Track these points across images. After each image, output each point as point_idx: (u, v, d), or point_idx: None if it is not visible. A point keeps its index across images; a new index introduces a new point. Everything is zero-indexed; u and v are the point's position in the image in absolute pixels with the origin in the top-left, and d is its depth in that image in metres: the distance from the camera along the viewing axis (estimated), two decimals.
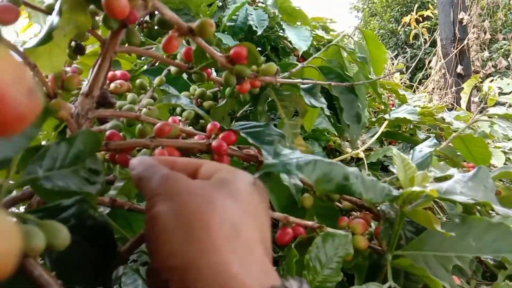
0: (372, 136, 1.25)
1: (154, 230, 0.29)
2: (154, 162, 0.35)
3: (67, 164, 0.35)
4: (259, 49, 1.35)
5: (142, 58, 0.78)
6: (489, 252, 0.44)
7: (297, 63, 0.72)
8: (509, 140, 1.42)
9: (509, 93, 1.60)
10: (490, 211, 0.58)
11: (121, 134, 0.49)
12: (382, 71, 0.93)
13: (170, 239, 0.28)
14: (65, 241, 0.23)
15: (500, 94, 1.60)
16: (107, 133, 0.47)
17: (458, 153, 1.03)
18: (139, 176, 0.33)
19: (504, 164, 1.15)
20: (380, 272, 0.48)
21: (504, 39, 4.84)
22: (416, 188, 0.41)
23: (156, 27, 0.53)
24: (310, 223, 0.50)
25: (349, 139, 0.74)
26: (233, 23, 1.19)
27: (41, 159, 0.33)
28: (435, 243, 0.45)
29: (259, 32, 1.13)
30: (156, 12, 0.42)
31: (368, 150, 1.26)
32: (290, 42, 1.23)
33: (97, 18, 0.48)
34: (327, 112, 0.64)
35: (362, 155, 1.17)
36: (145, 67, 0.77)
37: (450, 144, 0.99)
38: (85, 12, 0.44)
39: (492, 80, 1.62)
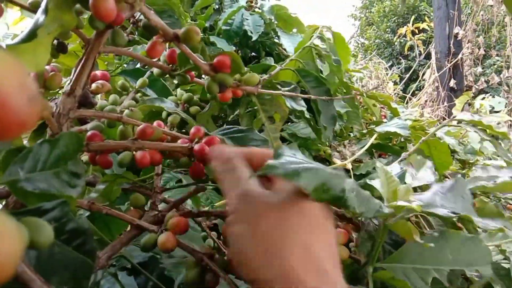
0: (362, 148, 1.28)
1: (235, 247, 0.34)
2: (232, 156, 0.39)
3: (49, 166, 0.36)
4: (254, 54, 1.38)
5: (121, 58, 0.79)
6: (464, 265, 0.46)
7: (275, 65, 0.75)
8: (498, 157, 1.47)
9: (499, 111, 1.66)
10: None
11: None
12: (346, 70, 0.99)
13: (251, 259, 0.32)
14: (49, 239, 0.25)
15: (491, 111, 1.65)
16: (88, 134, 0.49)
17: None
18: (218, 174, 0.38)
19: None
20: (359, 284, 0.50)
21: (497, 55, 4.97)
22: (401, 203, 0.43)
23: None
24: None
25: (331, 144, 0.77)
26: (228, 27, 1.21)
27: (23, 161, 0.34)
28: (414, 256, 0.47)
29: (254, 38, 1.16)
30: (142, 17, 0.44)
31: (358, 161, 1.29)
32: (285, 49, 1.26)
33: (81, 17, 0.49)
34: (307, 115, 0.67)
35: (349, 166, 1.19)
36: (125, 66, 0.79)
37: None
38: (71, 11, 0.46)
39: (484, 98, 1.67)
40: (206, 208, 0.85)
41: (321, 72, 0.89)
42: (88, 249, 0.36)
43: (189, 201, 0.80)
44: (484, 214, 0.52)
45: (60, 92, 0.56)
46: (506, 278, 0.67)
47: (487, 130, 0.79)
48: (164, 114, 0.65)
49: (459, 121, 0.85)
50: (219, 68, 0.49)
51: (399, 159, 0.86)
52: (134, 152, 0.48)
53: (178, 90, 0.74)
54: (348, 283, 0.47)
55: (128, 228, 0.68)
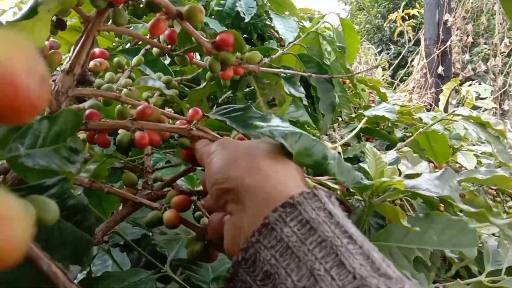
0: (351, 131, 1.29)
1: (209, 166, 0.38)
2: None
3: (49, 142, 0.35)
4: (245, 36, 1.37)
5: (121, 37, 0.78)
6: (449, 246, 0.47)
7: (277, 48, 0.74)
8: (482, 144, 1.49)
9: (485, 98, 1.68)
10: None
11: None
12: (354, 59, 0.99)
13: (221, 167, 0.36)
14: (55, 216, 0.25)
15: (477, 98, 1.67)
16: (87, 112, 0.48)
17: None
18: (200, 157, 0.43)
19: (475, 167, 1.21)
20: None
21: (485, 43, 5.00)
22: (384, 179, 0.44)
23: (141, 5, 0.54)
24: None
25: (327, 132, 0.78)
26: (221, 8, 1.20)
27: (23, 137, 0.34)
28: (399, 236, 0.48)
29: (247, 19, 1.14)
30: None
31: (346, 145, 1.30)
32: (277, 31, 1.25)
33: None
34: (305, 101, 0.66)
35: (339, 149, 1.20)
36: (126, 45, 0.77)
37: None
38: None
39: (470, 85, 1.69)
40: (200, 188, 0.86)
41: (328, 59, 0.88)
42: (87, 225, 0.36)
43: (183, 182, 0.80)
44: (473, 205, 0.53)
45: (58, 69, 0.55)
46: (479, 260, 0.70)
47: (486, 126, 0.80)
48: (144, 94, 0.64)
49: (456, 115, 0.86)
50: (221, 46, 0.48)
51: (395, 148, 0.87)
52: (133, 132, 0.48)
53: (157, 73, 0.73)
54: None
55: (120, 207, 0.69)
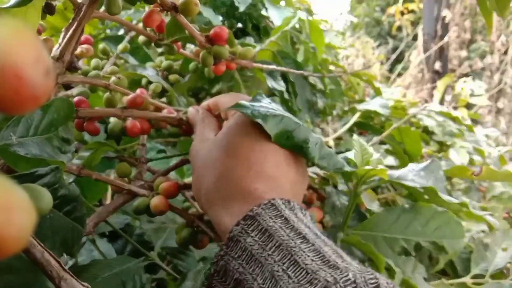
0: (344, 125, 1.30)
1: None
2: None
3: (41, 131, 0.36)
4: (240, 25, 1.37)
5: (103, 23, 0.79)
6: (433, 238, 0.50)
7: (255, 44, 0.77)
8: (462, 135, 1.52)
9: (480, 95, 1.71)
10: None
11: None
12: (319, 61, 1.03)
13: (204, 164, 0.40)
14: (49, 205, 0.26)
15: (472, 95, 1.70)
16: (76, 99, 0.49)
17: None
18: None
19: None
20: None
21: (482, 40, 5.04)
22: (368, 167, 0.46)
23: None
24: None
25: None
26: None
27: (15, 125, 0.35)
28: (384, 226, 0.50)
29: (242, 9, 1.14)
30: None
31: (339, 139, 1.32)
32: (272, 21, 1.25)
33: None
34: (286, 95, 0.69)
35: (331, 143, 1.22)
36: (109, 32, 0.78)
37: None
38: None
39: (465, 81, 1.71)
40: (190, 179, 0.87)
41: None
42: (78, 216, 0.37)
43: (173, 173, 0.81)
44: None
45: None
46: (466, 261, 0.72)
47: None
48: (143, 81, 0.65)
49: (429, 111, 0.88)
50: (215, 40, 0.49)
51: (372, 143, 0.89)
52: (123, 120, 0.49)
53: (158, 57, 0.74)
54: None
55: (108, 199, 0.69)
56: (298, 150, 0.38)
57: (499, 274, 0.68)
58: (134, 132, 0.47)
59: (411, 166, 0.51)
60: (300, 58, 0.87)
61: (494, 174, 0.57)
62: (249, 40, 1.23)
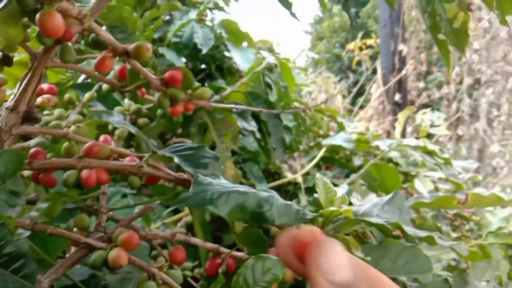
0: (311, 161, 1.32)
1: None
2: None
3: None
4: (204, 66, 1.39)
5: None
6: (403, 273, 0.49)
7: (226, 87, 0.78)
8: (439, 169, 1.56)
9: (439, 125, 1.78)
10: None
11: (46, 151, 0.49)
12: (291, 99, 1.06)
13: None
14: None
15: (431, 126, 1.77)
16: (31, 151, 0.47)
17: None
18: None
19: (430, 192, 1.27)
20: None
21: (438, 71, 5.32)
22: (332, 208, 0.46)
23: None
24: (240, 254, 0.53)
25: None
26: (178, 39, 1.22)
27: None
28: None
29: (204, 51, 1.17)
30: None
31: (307, 174, 1.33)
32: (235, 62, 1.28)
33: (29, 30, 0.48)
34: (258, 135, 0.69)
35: (299, 179, 1.23)
36: (79, 80, 0.77)
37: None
38: (17, 24, 0.45)
39: (424, 113, 1.79)
40: (157, 225, 0.84)
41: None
42: (27, 273, 0.35)
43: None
44: (424, 229, 0.55)
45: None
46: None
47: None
48: (110, 126, 0.64)
49: (403, 146, 0.91)
50: (170, 83, 0.50)
51: (348, 181, 0.90)
52: (79, 171, 0.48)
53: (126, 100, 0.74)
54: None
55: (71, 250, 0.66)
56: (256, 219, 0.37)
57: None
58: (89, 183, 0.46)
59: (375, 200, 0.52)
60: (274, 97, 0.89)
61: (480, 200, 0.56)
62: (220, 83, 1.25)
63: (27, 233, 0.47)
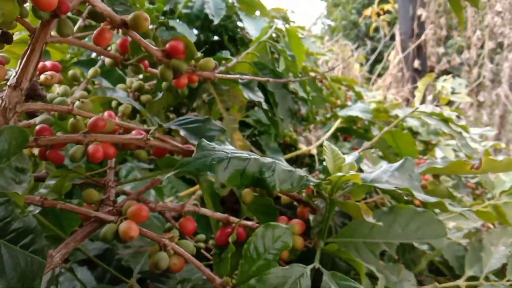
0: (327, 132, 1.30)
1: None
2: None
3: None
4: (216, 38, 1.37)
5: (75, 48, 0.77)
6: (414, 238, 0.48)
7: (231, 57, 0.76)
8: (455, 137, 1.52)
9: (460, 93, 1.72)
10: None
11: (52, 128, 0.49)
12: (300, 68, 1.02)
13: None
14: None
15: (452, 93, 1.71)
16: (37, 128, 0.47)
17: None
18: None
19: None
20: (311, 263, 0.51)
21: (458, 36, 5.12)
22: (340, 174, 0.45)
23: None
24: (249, 223, 0.53)
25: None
26: (189, 11, 1.19)
27: None
28: (364, 231, 0.49)
29: (216, 22, 1.14)
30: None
31: (322, 146, 1.31)
32: (247, 32, 1.25)
33: (26, 5, 0.47)
34: (265, 106, 0.67)
35: (314, 151, 1.21)
36: (82, 57, 0.77)
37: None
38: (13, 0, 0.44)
39: (445, 80, 1.73)
40: (170, 199, 0.85)
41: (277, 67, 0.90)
42: (37, 248, 0.35)
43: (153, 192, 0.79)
44: (435, 196, 0.54)
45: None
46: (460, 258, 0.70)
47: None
48: (114, 103, 0.63)
49: (420, 113, 0.87)
50: (172, 54, 0.48)
51: (361, 149, 0.88)
52: (86, 146, 0.48)
53: (128, 78, 0.73)
54: (300, 262, 0.48)
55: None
56: (257, 184, 0.37)
57: (496, 275, 0.65)
58: (96, 157, 0.46)
59: (385, 167, 0.50)
60: (281, 67, 0.86)
61: (494, 164, 0.55)
62: (225, 53, 1.22)
63: (38, 209, 0.48)
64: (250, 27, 1.23)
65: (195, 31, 1.26)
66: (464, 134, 0.82)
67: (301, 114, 1.38)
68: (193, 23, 1.20)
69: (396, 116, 1.33)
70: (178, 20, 1.19)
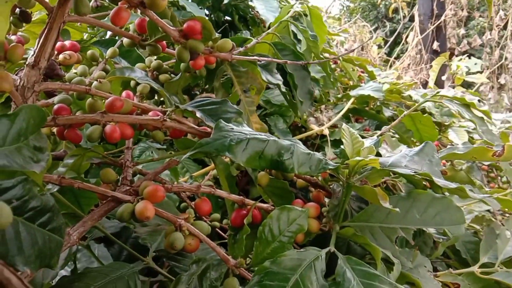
0: (338, 113, 1.28)
1: None
2: None
3: (9, 141, 0.35)
4: (227, 18, 1.35)
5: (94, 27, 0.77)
6: (433, 225, 0.47)
7: (251, 38, 0.74)
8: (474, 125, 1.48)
9: (476, 73, 1.67)
10: None
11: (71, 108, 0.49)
12: (321, 49, 0.99)
13: None
14: (7, 219, 0.24)
15: (468, 73, 1.66)
16: (55, 107, 0.47)
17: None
18: None
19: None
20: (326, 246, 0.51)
21: (480, 16, 4.96)
22: (358, 158, 0.44)
23: None
24: (265, 205, 0.52)
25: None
26: None
27: None
28: (381, 215, 0.48)
29: (226, 1, 1.12)
30: None
31: (334, 127, 1.29)
32: (258, 11, 1.23)
33: None
34: (283, 88, 0.66)
35: (326, 132, 1.19)
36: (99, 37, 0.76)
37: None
38: None
39: (461, 59, 1.68)
40: (185, 178, 0.85)
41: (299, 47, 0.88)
42: (55, 226, 0.36)
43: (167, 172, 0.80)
44: (455, 182, 0.52)
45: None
46: (474, 243, 0.69)
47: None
48: (132, 83, 0.63)
49: (441, 97, 0.85)
50: (189, 35, 0.48)
51: (379, 133, 0.86)
52: (103, 126, 0.47)
53: (147, 58, 0.72)
54: (315, 245, 0.48)
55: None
56: (275, 166, 0.36)
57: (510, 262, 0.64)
58: (114, 138, 0.46)
59: (405, 151, 0.49)
60: (303, 48, 0.84)
61: None
62: (245, 34, 1.20)
63: (56, 188, 0.48)
64: (260, 6, 1.20)
65: (206, 11, 1.24)
66: (486, 120, 0.80)
67: (315, 95, 1.36)
68: (203, 2, 1.19)
69: (409, 97, 1.30)
70: (189, 0, 1.17)
